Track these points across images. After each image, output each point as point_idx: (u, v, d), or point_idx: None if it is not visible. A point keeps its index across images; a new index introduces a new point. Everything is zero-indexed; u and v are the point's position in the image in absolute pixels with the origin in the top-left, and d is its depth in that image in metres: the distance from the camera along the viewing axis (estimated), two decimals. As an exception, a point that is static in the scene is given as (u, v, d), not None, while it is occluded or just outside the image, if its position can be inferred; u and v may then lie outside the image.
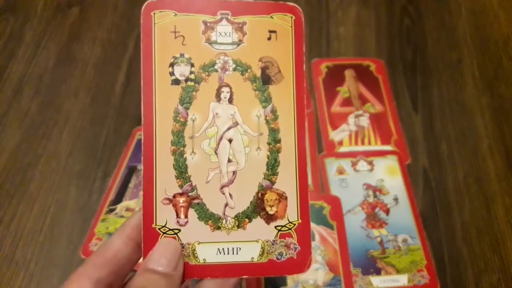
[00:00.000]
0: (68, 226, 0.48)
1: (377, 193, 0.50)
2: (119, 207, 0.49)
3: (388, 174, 0.51)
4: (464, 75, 0.59)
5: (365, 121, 0.55)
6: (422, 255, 0.46)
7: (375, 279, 0.44)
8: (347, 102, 0.57)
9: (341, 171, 0.51)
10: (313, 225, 0.46)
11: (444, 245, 0.47)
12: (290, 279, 0.43)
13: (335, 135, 0.54)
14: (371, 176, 0.51)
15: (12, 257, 0.46)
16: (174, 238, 0.24)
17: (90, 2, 0.66)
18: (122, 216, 0.48)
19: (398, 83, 0.59)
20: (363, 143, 0.54)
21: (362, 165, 0.52)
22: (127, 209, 0.49)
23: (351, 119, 0.55)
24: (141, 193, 0.49)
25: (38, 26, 0.63)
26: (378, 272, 0.45)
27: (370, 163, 0.52)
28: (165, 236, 0.24)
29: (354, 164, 0.52)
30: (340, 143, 0.54)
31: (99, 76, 0.59)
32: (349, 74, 0.59)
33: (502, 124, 0.55)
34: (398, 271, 0.45)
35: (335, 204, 0.48)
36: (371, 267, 0.45)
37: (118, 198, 0.49)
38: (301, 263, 0.24)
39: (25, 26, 0.63)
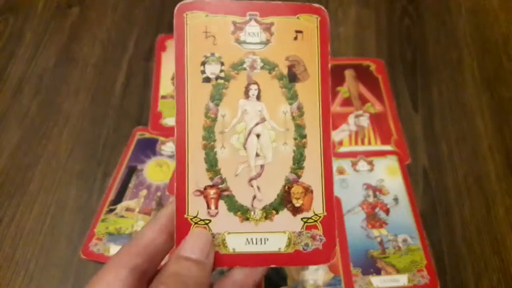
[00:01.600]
0: (68, 226, 0.48)
1: (377, 193, 0.50)
2: (119, 207, 0.49)
3: (388, 174, 0.51)
4: (464, 75, 0.59)
5: (365, 121, 0.55)
6: (422, 255, 0.46)
7: (375, 279, 0.44)
8: (347, 102, 0.57)
9: (341, 171, 0.51)
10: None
11: (444, 245, 0.47)
12: (290, 279, 0.43)
13: (335, 135, 0.54)
14: (371, 176, 0.51)
15: (12, 257, 0.46)
16: (205, 228, 0.25)
17: (90, 2, 0.66)
18: (122, 216, 0.48)
19: (398, 83, 0.59)
20: (363, 143, 0.54)
21: (362, 165, 0.52)
22: (127, 209, 0.49)
23: (351, 119, 0.55)
24: (141, 193, 0.49)
25: (38, 26, 0.63)
26: (378, 272, 0.45)
27: (370, 163, 0.52)
28: (196, 226, 0.25)
29: (354, 164, 0.52)
30: (340, 143, 0.54)
31: (99, 76, 0.59)
32: (349, 74, 0.59)
33: (502, 124, 0.55)
34: (398, 271, 0.45)
35: (335, 204, 0.48)
36: (371, 267, 0.45)
37: (118, 198, 0.49)
38: (326, 254, 0.25)
39: (25, 26, 0.63)
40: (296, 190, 0.26)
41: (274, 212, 0.25)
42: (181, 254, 0.24)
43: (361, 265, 0.45)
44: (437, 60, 0.60)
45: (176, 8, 0.25)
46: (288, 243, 0.25)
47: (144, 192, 0.50)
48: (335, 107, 0.56)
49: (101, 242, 0.46)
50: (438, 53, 0.61)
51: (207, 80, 0.25)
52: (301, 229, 0.26)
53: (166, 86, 0.57)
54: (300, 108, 0.26)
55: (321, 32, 0.26)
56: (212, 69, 0.25)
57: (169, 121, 0.55)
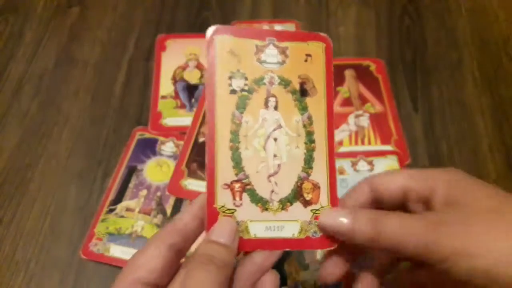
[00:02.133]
0: (68, 226, 0.48)
1: (377, 193, 0.50)
2: (119, 207, 0.49)
3: (388, 174, 0.51)
4: (464, 75, 0.59)
5: (365, 121, 0.55)
6: (422, 255, 0.45)
7: (375, 279, 0.44)
8: (347, 102, 0.57)
9: (341, 171, 0.51)
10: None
11: (444, 245, 0.47)
12: (290, 279, 0.43)
13: (335, 135, 0.54)
14: (371, 176, 0.51)
15: (12, 257, 0.46)
16: (231, 216, 0.29)
17: (90, 2, 0.66)
18: (122, 216, 0.48)
19: (398, 83, 0.59)
20: (363, 143, 0.54)
21: (362, 165, 0.52)
22: (127, 209, 0.49)
23: (351, 119, 0.55)
24: (141, 193, 0.50)
25: (38, 26, 0.63)
26: (378, 272, 0.44)
27: (370, 163, 0.52)
28: (224, 215, 0.29)
29: (354, 164, 0.52)
30: (340, 143, 0.54)
31: (99, 76, 0.59)
32: (349, 74, 0.59)
33: (502, 124, 0.55)
34: (398, 271, 0.45)
35: (335, 205, 0.48)
36: (371, 267, 0.45)
37: (118, 198, 0.49)
38: (331, 240, 0.30)
39: (25, 26, 0.63)
40: (306, 186, 0.30)
41: (288, 204, 0.30)
42: (211, 238, 0.28)
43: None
44: (437, 60, 0.60)
45: (208, 31, 0.30)
46: (300, 230, 0.30)
47: (144, 192, 0.50)
48: (335, 107, 0.56)
49: (101, 242, 0.46)
50: (438, 53, 0.61)
51: (233, 92, 0.30)
52: (310, 218, 0.30)
53: (166, 86, 0.57)
54: (309, 118, 0.31)
55: (326, 56, 0.31)
56: (237, 83, 0.30)
57: (169, 121, 0.55)
